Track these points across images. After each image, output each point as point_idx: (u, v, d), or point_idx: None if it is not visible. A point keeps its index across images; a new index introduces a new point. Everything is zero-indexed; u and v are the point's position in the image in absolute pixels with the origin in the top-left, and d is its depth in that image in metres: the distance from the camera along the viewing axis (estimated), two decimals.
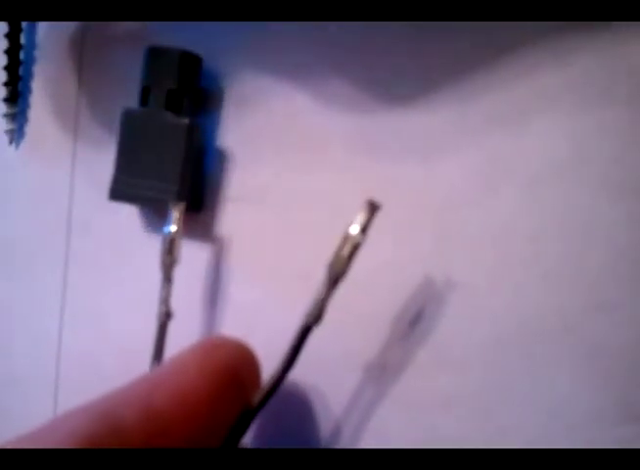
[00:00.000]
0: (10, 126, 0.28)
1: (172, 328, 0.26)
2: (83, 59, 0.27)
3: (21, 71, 0.28)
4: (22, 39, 0.28)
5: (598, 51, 0.20)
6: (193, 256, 0.25)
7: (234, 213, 0.25)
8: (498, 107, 0.22)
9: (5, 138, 0.28)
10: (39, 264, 0.28)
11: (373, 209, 0.19)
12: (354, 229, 0.19)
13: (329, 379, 0.23)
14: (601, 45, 0.20)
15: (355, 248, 0.19)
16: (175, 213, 0.23)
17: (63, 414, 0.14)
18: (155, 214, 0.26)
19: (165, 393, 0.15)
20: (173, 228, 0.22)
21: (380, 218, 0.23)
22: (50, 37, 0.28)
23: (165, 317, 0.23)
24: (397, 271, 0.23)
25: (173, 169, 0.24)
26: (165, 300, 0.23)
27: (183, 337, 0.26)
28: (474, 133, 0.22)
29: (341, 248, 0.20)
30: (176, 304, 0.26)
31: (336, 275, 0.20)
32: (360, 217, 0.19)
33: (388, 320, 0.23)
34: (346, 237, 0.19)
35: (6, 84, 0.28)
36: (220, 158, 0.25)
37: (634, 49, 0.20)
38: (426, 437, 0.22)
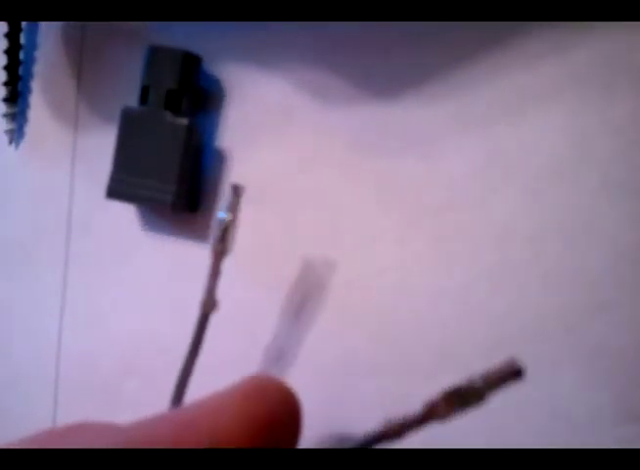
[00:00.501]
0: (10, 126, 0.28)
1: (172, 328, 0.26)
2: (83, 59, 0.27)
3: (21, 71, 0.28)
4: (22, 39, 0.28)
5: (599, 50, 0.20)
6: (190, 255, 0.25)
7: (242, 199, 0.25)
8: (498, 107, 0.22)
9: (5, 138, 0.28)
10: (39, 264, 0.28)
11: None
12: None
13: (329, 379, 0.23)
14: (603, 44, 0.20)
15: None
16: (233, 199, 0.21)
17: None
18: (154, 214, 0.26)
19: (194, 438, 0.14)
20: (229, 216, 0.21)
21: (380, 218, 0.23)
22: (50, 37, 0.28)
23: (210, 308, 0.22)
24: (397, 271, 0.23)
25: (171, 169, 0.24)
26: (211, 290, 0.21)
27: (184, 337, 0.26)
28: (474, 133, 0.22)
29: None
30: (176, 303, 0.26)
31: (430, 417, 0.18)
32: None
33: (387, 320, 0.23)
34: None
35: (6, 84, 0.28)
36: (219, 157, 0.25)
37: (636, 47, 0.20)
38: (426, 437, 0.22)
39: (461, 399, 0.17)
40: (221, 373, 0.25)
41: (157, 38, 0.25)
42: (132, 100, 0.25)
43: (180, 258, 0.26)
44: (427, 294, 0.22)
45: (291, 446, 0.15)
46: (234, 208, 0.20)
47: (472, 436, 0.22)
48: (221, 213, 0.21)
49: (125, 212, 0.26)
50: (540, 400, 0.21)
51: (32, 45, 0.28)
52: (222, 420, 0.14)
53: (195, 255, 0.25)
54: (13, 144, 0.28)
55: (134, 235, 0.26)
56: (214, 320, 0.25)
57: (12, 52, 0.28)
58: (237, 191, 0.20)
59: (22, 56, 0.28)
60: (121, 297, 0.27)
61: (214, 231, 0.21)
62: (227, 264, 0.25)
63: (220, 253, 0.21)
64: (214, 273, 0.21)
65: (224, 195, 0.20)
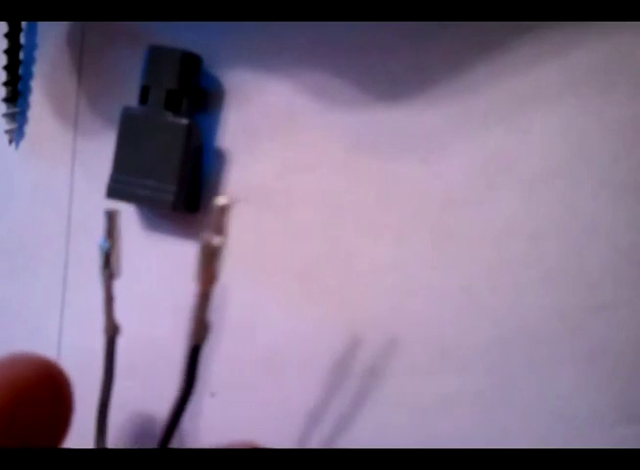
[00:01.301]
0: (10, 126, 0.28)
1: (172, 328, 0.26)
2: (83, 58, 0.27)
3: (21, 71, 0.28)
4: (22, 39, 0.28)
5: (599, 50, 0.20)
6: (190, 255, 0.25)
7: (233, 214, 0.25)
8: (498, 107, 0.22)
9: (5, 138, 0.28)
10: (39, 264, 0.28)
11: (222, 209, 0.18)
12: (209, 237, 0.19)
13: (329, 379, 0.23)
14: (601, 44, 0.20)
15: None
16: (109, 225, 0.20)
17: None
18: (154, 214, 0.26)
19: None
20: (108, 242, 0.20)
21: (380, 218, 0.23)
22: (50, 37, 0.28)
23: (113, 331, 0.22)
24: (397, 271, 0.23)
25: (171, 169, 0.24)
26: (109, 314, 0.21)
27: (184, 337, 0.26)
28: (474, 133, 0.22)
29: (202, 259, 0.19)
30: (176, 303, 0.26)
31: (204, 291, 0.19)
32: (213, 221, 0.18)
33: (388, 320, 0.23)
34: (204, 246, 0.19)
35: (6, 84, 0.28)
36: (219, 158, 0.25)
37: (635, 48, 0.20)
38: (426, 437, 0.22)
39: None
40: (221, 372, 0.25)
41: (157, 38, 0.25)
42: (132, 100, 0.25)
43: (180, 258, 0.26)
44: (427, 294, 0.22)
45: (57, 408, 0.17)
46: (111, 233, 0.20)
47: (472, 436, 0.22)
48: (101, 241, 0.20)
49: (125, 212, 0.26)
50: (540, 400, 0.21)
51: (32, 45, 0.28)
52: None
53: (195, 255, 0.25)
54: (13, 144, 0.28)
55: (134, 235, 0.26)
56: (215, 320, 0.25)
57: (12, 52, 0.28)
58: (111, 216, 0.20)
59: (22, 56, 0.28)
60: (121, 297, 0.27)
61: (99, 258, 0.21)
62: (227, 264, 0.25)
63: (109, 277, 0.21)
64: (108, 298, 0.21)
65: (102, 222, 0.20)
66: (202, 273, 0.19)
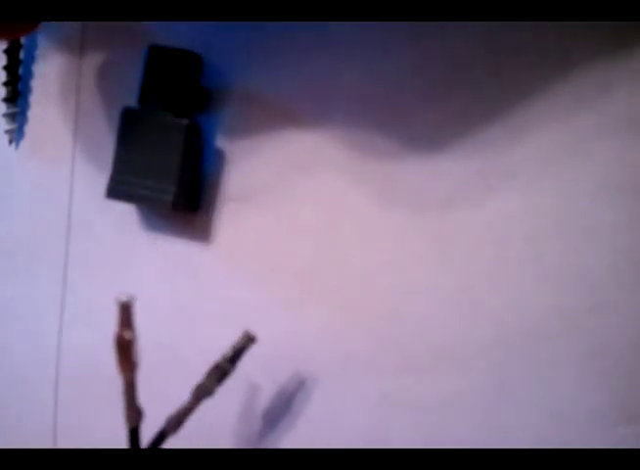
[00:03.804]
0: (10, 126, 0.28)
1: (172, 328, 0.26)
2: (83, 59, 0.27)
3: (21, 71, 0.28)
4: (22, 39, 0.28)
5: (598, 50, 0.20)
6: (190, 255, 0.25)
7: (233, 213, 0.25)
8: (498, 106, 0.22)
9: (5, 138, 0.28)
10: (39, 264, 0.28)
11: (249, 340, 0.21)
12: (227, 356, 0.21)
13: (330, 379, 0.23)
14: (602, 44, 0.20)
15: (224, 375, 0.21)
16: (127, 313, 0.20)
17: None
18: (154, 214, 0.26)
19: None
20: (127, 334, 0.20)
21: (380, 218, 0.23)
22: (50, 37, 0.28)
23: (135, 421, 0.21)
24: (397, 271, 0.23)
25: (171, 169, 0.24)
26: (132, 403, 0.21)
27: (184, 337, 0.26)
28: (473, 133, 0.22)
29: (211, 373, 0.21)
30: (176, 304, 0.26)
31: (200, 396, 0.21)
32: (234, 347, 0.21)
33: (388, 320, 0.23)
34: (218, 364, 0.21)
35: (6, 84, 0.28)
36: (219, 158, 0.25)
37: (634, 49, 0.20)
38: (426, 437, 0.22)
39: (219, 372, 0.21)
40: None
41: (157, 38, 0.25)
42: (132, 100, 0.25)
43: (180, 258, 0.26)
44: (427, 294, 0.22)
45: None
46: (129, 323, 0.20)
47: (472, 436, 0.22)
48: (121, 332, 0.20)
49: (125, 213, 0.26)
50: (540, 400, 0.21)
51: (32, 45, 0.28)
52: None
53: (195, 254, 0.25)
54: (13, 144, 0.28)
55: (134, 235, 0.26)
56: (215, 321, 0.25)
57: (12, 52, 0.28)
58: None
59: (21, 56, 0.28)
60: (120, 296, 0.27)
61: (117, 350, 0.21)
62: (226, 264, 0.25)
63: (131, 369, 0.21)
64: (129, 388, 0.21)
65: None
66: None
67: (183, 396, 0.22)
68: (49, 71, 0.28)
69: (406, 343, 0.22)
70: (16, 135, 0.28)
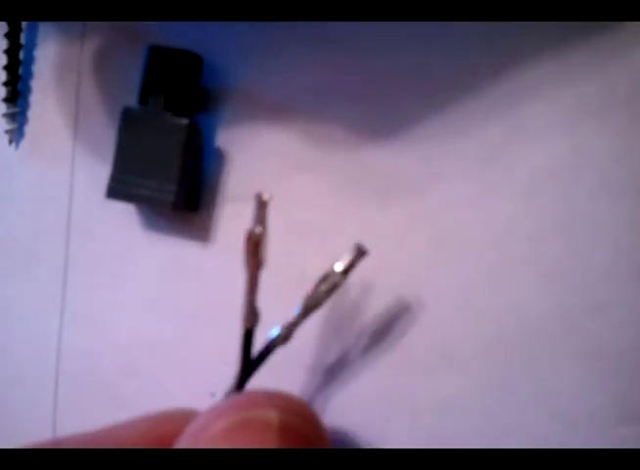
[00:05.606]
0: (10, 126, 0.28)
1: (173, 328, 0.26)
2: (83, 58, 0.27)
3: (21, 71, 0.28)
4: (22, 39, 0.28)
5: (598, 50, 0.20)
6: (190, 255, 0.25)
7: (233, 213, 0.25)
8: (498, 106, 0.22)
9: (5, 138, 0.28)
10: (39, 264, 0.28)
11: (360, 253, 0.20)
12: (338, 267, 0.20)
13: (330, 379, 0.23)
14: (602, 44, 0.20)
15: (334, 286, 0.20)
16: (260, 212, 0.19)
17: None
18: (154, 214, 0.26)
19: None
20: (258, 229, 0.19)
21: (380, 218, 0.23)
22: (50, 37, 0.28)
23: (251, 322, 0.20)
24: (397, 271, 0.23)
25: (171, 169, 0.24)
26: (251, 303, 0.20)
27: (184, 337, 0.26)
28: (473, 133, 0.22)
29: (320, 283, 0.21)
30: (177, 303, 0.26)
31: (310, 307, 0.21)
32: (346, 259, 0.20)
33: (387, 320, 0.23)
34: (328, 274, 0.20)
35: (6, 84, 0.28)
36: (219, 158, 0.25)
37: (634, 49, 0.20)
38: (426, 437, 0.22)
39: (330, 283, 0.20)
40: (222, 371, 0.25)
41: (157, 38, 0.25)
42: (132, 100, 0.25)
43: (180, 258, 0.26)
44: (426, 294, 0.22)
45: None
46: (262, 220, 0.19)
47: (472, 436, 0.22)
48: (252, 226, 0.19)
49: (125, 212, 0.26)
50: (540, 400, 0.21)
51: (32, 45, 0.28)
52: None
53: (195, 255, 0.25)
54: (13, 144, 0.28)
55: (134, 235, 0.26)
56: (216, 321, 0.25)
57: (12, 52, 0.28)
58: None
59: (22, 56, 0.28)
60: (121, 297, 0.27)
61: (246, 244, 0.20)
62: (226, 265, 0.25)
63: (256, 266, 0.20)
64: (252, 287, 0.20)
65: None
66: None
67: (183, 396, 0.22)
68: (49, 71, 0.28)
69: (406, 343, 0.22)
70: (16, 135, 0.28)
